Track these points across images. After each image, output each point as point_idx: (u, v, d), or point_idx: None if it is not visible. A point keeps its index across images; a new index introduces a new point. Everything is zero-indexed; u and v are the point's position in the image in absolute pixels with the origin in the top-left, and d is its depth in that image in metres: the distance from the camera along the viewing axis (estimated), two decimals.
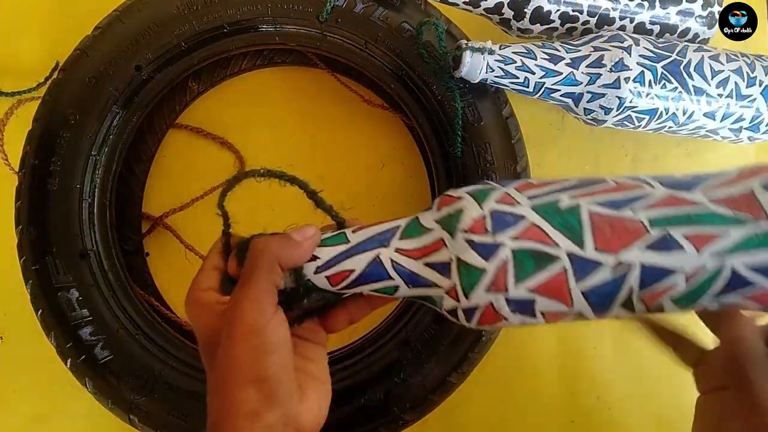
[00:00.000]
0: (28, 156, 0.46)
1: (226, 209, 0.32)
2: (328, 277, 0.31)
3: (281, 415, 0.26)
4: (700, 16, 0.51)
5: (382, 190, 0.56)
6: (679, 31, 0.52)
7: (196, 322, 0.30)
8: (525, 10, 0.48)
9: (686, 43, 0.49)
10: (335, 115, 0.57)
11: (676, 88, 0.47)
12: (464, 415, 0.54)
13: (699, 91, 0.47)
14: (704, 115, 0.48)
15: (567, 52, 0.46)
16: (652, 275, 0.27)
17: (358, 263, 0.30)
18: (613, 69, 0.45)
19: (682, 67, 0.47)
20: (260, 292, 0.28)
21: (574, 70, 0.46)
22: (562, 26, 0.50)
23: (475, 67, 0.45)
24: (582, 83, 0.46)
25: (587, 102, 0.47)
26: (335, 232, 0.32)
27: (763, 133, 0.52)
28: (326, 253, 0.31)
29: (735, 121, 0.50)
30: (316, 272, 0.31)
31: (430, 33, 0.48)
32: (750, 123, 0.50)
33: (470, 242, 0.28)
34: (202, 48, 0.49)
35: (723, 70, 0.48)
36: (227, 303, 0.29)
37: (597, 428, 0.56)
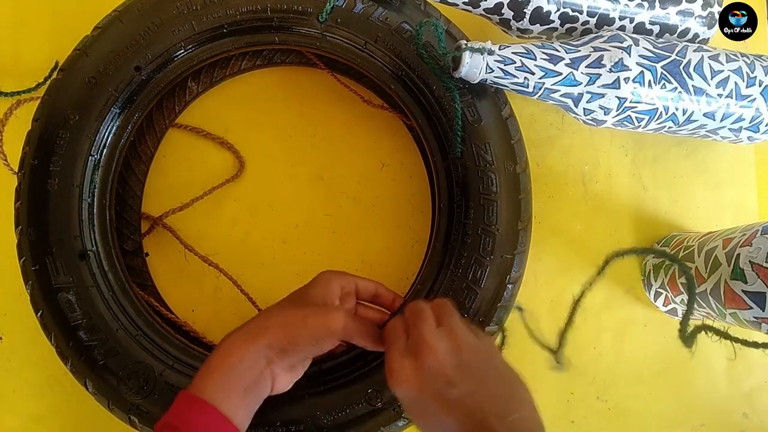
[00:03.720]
0: (28, 156, 0.46)
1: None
2: None
3: None
4: (699, 16, 0.51)
5: (382, 190, 0.56)
6: (678, 31, 0.52)
7: None
8: (525, 10, 0.48)
9: (686, 43, 0.49)
10: (335, 115, 0.57)
11: (676, 88, 0.47)
12: None
13: (699, 91, 0.47)
14: (704, 115, 0.48)
15: (566, 53, 0.46)
16: None
17: None
18: (613, 69, 0.45)
19: (681, 67, 0.47)
20: None
21: (574, 71, 0.46)
22: (562, 26, 0.50)
23: (474, 67, 0.45)
24: (581, 83, 0.46)
25: (587, 102, 0.47)
26: None
27: (763, 133, 0.52)
28: None
29: (735, 121, 0.50)
30: None
31: (429, 33, 0.48)
32: (750, 123, 0.50)
33: None
34: (202, 48, 0.49)
35: (723, 70, 0.48)
36: None
37: (597, 428, 0.56)
